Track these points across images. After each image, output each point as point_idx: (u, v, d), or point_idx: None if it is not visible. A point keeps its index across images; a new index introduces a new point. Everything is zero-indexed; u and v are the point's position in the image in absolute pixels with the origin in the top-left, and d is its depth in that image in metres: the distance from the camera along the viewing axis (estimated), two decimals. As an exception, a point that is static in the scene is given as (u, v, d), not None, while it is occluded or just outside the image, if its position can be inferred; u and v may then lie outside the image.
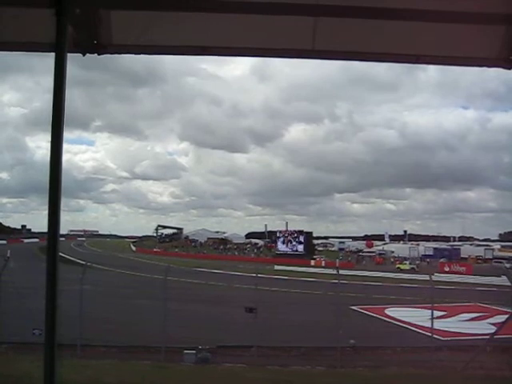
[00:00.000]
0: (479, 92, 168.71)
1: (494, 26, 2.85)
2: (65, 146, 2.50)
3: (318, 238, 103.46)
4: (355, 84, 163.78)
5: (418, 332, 20.69)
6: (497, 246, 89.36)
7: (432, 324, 17.19)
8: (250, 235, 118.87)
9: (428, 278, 20.04)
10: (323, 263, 69.24)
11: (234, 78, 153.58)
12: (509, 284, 16.39)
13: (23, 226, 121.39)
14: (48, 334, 2.39)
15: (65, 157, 2.49)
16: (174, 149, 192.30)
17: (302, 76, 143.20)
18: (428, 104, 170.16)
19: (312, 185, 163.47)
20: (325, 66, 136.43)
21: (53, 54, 2.47)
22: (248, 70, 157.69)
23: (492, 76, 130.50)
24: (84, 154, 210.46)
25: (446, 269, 59.63)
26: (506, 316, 16.73)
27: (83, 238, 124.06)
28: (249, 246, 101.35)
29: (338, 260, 72.71)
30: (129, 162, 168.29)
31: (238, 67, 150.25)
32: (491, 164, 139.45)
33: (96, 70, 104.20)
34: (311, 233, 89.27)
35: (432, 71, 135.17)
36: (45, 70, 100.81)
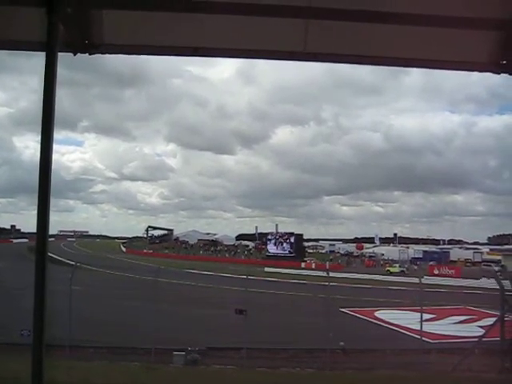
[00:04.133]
0: (464, 96, 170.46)
1: (484, 31, 2.87)
2: (53, 146, 2.49)
3: (308, 240, 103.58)
4: (340, 87, 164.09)
5: (408, 334, 20.76)
6: (486, 249, 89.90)
7: (421, 326, 17.25)
8: (240, 237, 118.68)
9: (417, 281, 20.14)
10: (313, 265, 69.32)
11: (220, 80, 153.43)
12: (497, 287, 16.53)
13: (12, 226, 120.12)
14: (36, 334, 2.38)
15: (53, 157, 2.47)
16: (162, 150, 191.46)
17: (287, 79, 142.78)
18: (413, 108, 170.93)
19: (300, 187, 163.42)
20: (310, 69, 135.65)
21: (41, 54, 2.46)
22: (234, 72, 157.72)
23: (477, 81, 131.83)
24: (71, 154, 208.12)
25: (436, 272, 59.95)
26: (495, 319, 16.86)
27: (73, 239, 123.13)
28: (242, 247, 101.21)
29: (328, 262, 72.89)
30: (117, 162, 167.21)
31: (224, 69, 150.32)
32: (477, 168, 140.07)
33: (81, 70, 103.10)
34: (302, 235, 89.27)
35: (416, 75, 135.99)
36: (31, 70, 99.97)
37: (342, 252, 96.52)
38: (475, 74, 3.23)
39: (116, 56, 3.06)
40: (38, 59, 2.48)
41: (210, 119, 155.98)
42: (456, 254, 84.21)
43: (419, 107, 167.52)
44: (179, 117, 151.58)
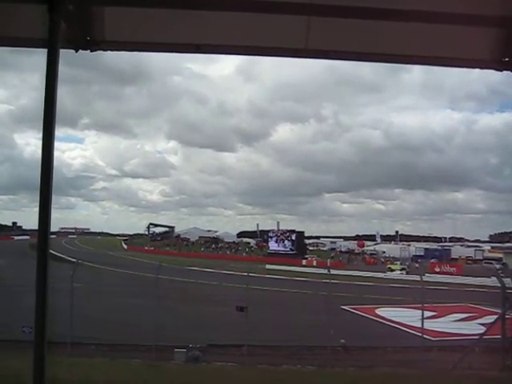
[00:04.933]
0: (464, 94, 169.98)
1: (487, 28, 2.86)
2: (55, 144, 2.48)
3: (309, 237, 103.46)
4: (341, 85, 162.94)
5: (409, 332, 20.79)
6: (487, 246, 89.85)
7: (422, 324, 17.26)
8: (241, 234, 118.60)
9: (419, 279, 20.14)
10: (315, 263, 69.26)
11: (220, 77, 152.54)
12: (498, 285, 16.53)
13: (14, 223, 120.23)
14: (38, 331, 2.38)
15: (54, 154, 2.46)
16: (163, 147, 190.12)
17: (287, 76, 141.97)
18: (414, 105, 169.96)
19: (301, 185, 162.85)
20: (310, 67, 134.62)
21: (42, 51, 2.45)
22: (234, 69, 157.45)
23: (477, 78, 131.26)
24: (72, 151, 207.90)
25: (437, 269, 59.89)
26: (496, 316, 16.87)
27: (74, 236, 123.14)
28: (243, 245, 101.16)
29: (329, 260, 72.89)
30: (118, 160, 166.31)
31: (224, 67, 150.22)
32: (478, 166, 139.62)
33: (82, 67, 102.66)
34: (303, 232, 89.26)
35: (417, 73, 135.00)
36: (32, 67, 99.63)
37: (343, 249, 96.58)
38: (475, 71, 3.25)
39: (116, 53, 3.05)
40: (39, 56, 2.47)
41: (211, 116, 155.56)
42: (457, 251, 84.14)
43: (420, 105, 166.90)
44: (180, 114, 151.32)
